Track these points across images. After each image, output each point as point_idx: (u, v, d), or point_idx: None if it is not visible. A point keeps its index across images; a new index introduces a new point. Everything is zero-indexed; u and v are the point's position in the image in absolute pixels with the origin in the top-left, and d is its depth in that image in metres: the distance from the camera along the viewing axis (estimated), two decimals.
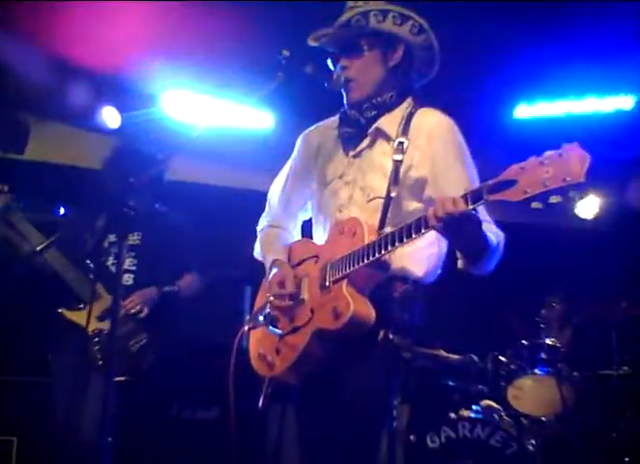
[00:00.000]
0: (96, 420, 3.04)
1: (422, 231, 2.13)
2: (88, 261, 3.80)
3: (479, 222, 2.14)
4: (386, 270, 2.35)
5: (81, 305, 3.72)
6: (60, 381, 3.70)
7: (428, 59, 2.57)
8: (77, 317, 3.68)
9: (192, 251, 4.06)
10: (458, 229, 2.08)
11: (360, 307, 2.26)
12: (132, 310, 3.72)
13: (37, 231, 3.78)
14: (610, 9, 4.16)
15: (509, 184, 1.91)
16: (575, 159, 1.81)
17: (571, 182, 1.81)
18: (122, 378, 3.54)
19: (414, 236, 2.15)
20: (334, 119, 2.67)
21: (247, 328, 2.59)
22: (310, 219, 2.79)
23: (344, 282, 2.30)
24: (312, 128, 2.79)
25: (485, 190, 1.97)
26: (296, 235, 2.82)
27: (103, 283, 3.70)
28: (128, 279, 3.82)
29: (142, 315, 3.73)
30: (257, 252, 2.81)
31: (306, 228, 2.82)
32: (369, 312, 2.28)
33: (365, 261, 2.26)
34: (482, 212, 2.25)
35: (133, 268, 3.84)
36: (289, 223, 2.80)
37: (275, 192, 2.83)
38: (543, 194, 1.86)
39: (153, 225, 3.87)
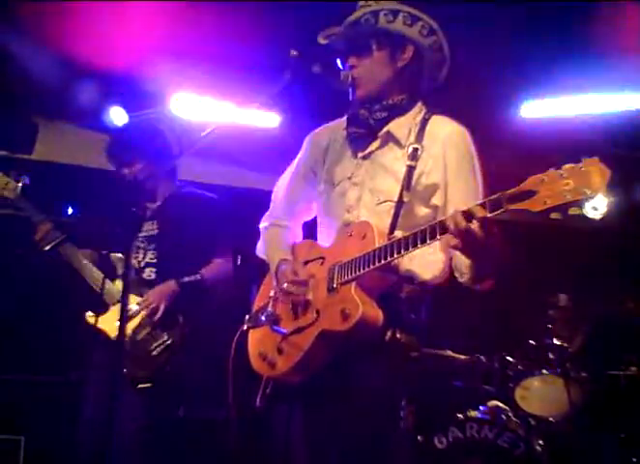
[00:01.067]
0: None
1: (438, 237, 2.12)
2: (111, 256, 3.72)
3: (495, 236, 2.10)
4: (395, 273, 2.36)
5: (105, 309, 3.61)
6: (87, 386, 3.63)
7: (438, 61, 2.57)
8: (100, 323, 3.57)
9: (219, 234, 3.85)
10: (475, 239, 2.06)
11: (368, 310, 2.26)
12: (147, 310, 3.59)
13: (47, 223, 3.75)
14: (616, 6, 4.15)
15: (529, 194, 1.93)
16: (596, 173, 1.84)
17: (591, 195, 1.84)
18: (146, 385, 3.48)
19: (428, 242, 2.15)
20: (343, 120, 2.66)
21: (245, 327, 2.59)
22: (311, 220, 2.79)
23: (353, 284, 2.31)
24: (320, 128, 2.78)
25: (505, 199, 1.98)
26: (299, 234, 2.82)
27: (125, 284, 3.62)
28: (150, 274, 3.71)
29: (157, 317, 3.59)
30: (260, 250, 2.80)
31: (306, 228, 2.83)
32: (377, 315, 2.28)
33: (376, 264, 2.26)
34: None
35: (154, 260, 3.72)
36: (292, 223, 2.80)
37: (279, 191, 2.83)
38: (563, 206, 1.88)
39: (169, 211, 3.78)
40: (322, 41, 2.53)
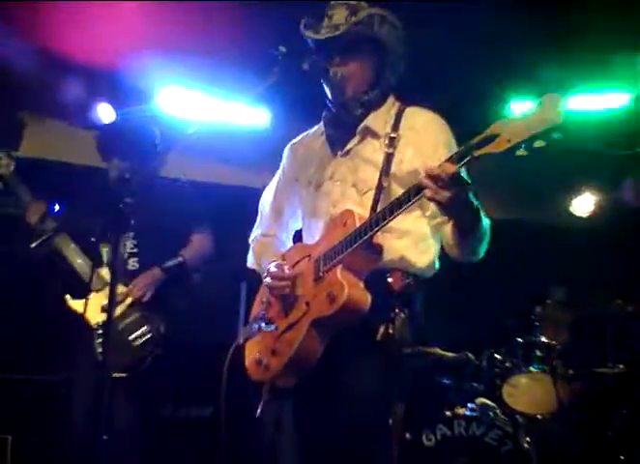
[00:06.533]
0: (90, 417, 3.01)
1: (412, 200, 2.16)
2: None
3: (468, 186, 2.15)
4: (379, 253, 2.35)
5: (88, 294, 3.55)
6: (73, 380, 3.64)
7: (400, 57, 2.62)
8: (78, 306, 3.57)
9: (195, 212, 3.91)
10: (449, 193, 2.08)
11: (355, 291, 2.27)
12: (136, 296, 3.61)
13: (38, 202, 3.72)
14: (604, 5, 4.17)
15: (493, 138, 1.99)
16: (551, 104, 1.93)
17: (550, 124, 1.92)
18: (122, 374, 3.46)
19: (404, 206, 2.19)
20: (318, 126, 2.72)
21: (241, 341, 2.58)
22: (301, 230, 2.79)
23: (338, 268, 2.32)
24: (297, 138, 2.82)
25: (470, 147, 2.04)
26: (288, 244, 2.82)
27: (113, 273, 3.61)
28: (133, 264, 3.73)
29: (145, 299, 3.62)
30: (251, 262, 2.82)
31: (299, 238, 2.82)
32: (365, 296, 2.29)
33: (358, 242, 2.28)
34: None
35: (135, 250, 3.73)
36: (281, 233, 2.82)
37: (266, 203, 2.86)
38: (526, 142, 1.95)
39: (146, 202, 3.80)
40: (314, 35, 2.51)
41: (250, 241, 2.85)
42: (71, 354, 3.74)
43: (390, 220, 2.22)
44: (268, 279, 2.50)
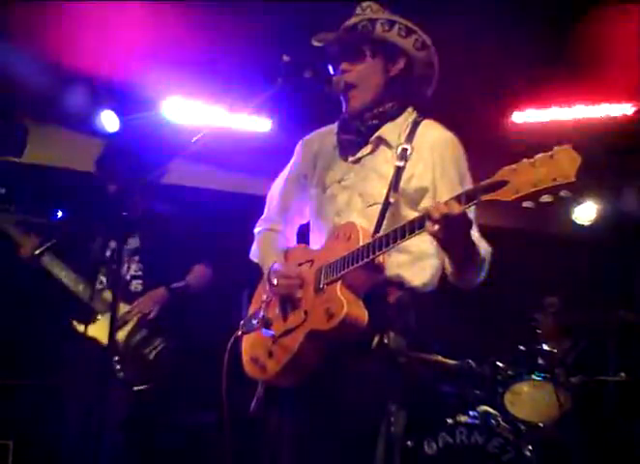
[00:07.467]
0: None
1: (416, 232, 2.16)
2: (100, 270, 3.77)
3: (470, 225, 2.16)
4: (381, 272, 2.35)
5: (95, 317, 3.65)
6: (74, 393, 3.66)
7: (428, 75, 2.60)
8: (91, 331, 3.62)
9: (199, 243, 3.97)
10: (450, 231, 2.10)
11: (353, 309, 2.27)
12: (141, 313, 3.66)
13: (30, 237, 3.75)
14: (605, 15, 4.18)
15: (501, 184, 1.96)
16: (566, 160, 1.86)
17: (561, 182, 1.86)
18: (142, 387, 3.53)
19: (407, 236, 2.18)
20: (334, 126, 2.68)
21: (240, 333, 2.59)
22: (308, 224, 2.80)
23: (338, 284, 2.32)
24: (311, 134, 2.80)
25: (479, 191, 2.02)
26: (292, 239, 2.83)
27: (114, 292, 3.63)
28: (137, 286, 3.78)
29: (151, 316, 3.67)
30: (254, 254, 2.81)
31: (304, 232, 2.83)
32: (363, 315, 2.28)
33: (360, 262, 2.28)
34: (473, 228, 2.27)
35: (140, 273, 3.79)
36: (286, 227, 2.82)
37: (273, 196, 2.84)
38: (534, 194, 1.91)
39: (150, 225, 3.82)
40: (316, 43, 2.53)
41: (256, 232, 2.85)
42: (70, 359, 3.76)
43: (392, 247, 2.22)
44: (274, 279, 2.49)
